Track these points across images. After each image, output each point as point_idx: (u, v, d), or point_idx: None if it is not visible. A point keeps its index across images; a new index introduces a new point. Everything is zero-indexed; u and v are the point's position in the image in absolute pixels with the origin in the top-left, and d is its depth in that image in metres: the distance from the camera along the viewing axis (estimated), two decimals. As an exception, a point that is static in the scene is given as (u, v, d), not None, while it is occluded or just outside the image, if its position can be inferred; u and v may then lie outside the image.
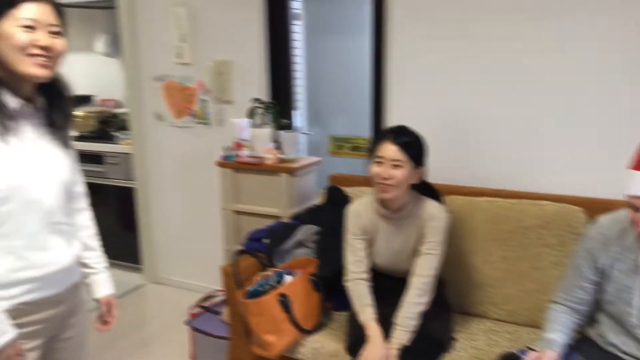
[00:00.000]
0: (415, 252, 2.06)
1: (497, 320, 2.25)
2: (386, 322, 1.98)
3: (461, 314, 2.30)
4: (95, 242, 1.66)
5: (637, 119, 2.20)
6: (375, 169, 1.96)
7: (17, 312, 1.36)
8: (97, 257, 1.65)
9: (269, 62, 3.05)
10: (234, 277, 2.22)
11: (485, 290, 2.27)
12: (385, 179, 1.93)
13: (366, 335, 1.96)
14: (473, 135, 2.54)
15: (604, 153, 2.30)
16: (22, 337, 1.37)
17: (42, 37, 1.32)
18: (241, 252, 2.39)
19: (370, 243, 2.12)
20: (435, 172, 2.25)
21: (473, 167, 2.56)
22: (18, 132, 1.36)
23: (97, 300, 1.66)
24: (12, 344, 1.32)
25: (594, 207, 2.13)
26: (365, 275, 2.09)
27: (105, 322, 1.68)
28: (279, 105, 2.96)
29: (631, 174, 1.49)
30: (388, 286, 2.11)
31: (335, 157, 4.06)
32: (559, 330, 1.69)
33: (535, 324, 2.13)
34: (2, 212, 1.32)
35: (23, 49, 1.30)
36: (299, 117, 3.47)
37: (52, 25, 1.35)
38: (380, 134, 2.06)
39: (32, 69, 1.32)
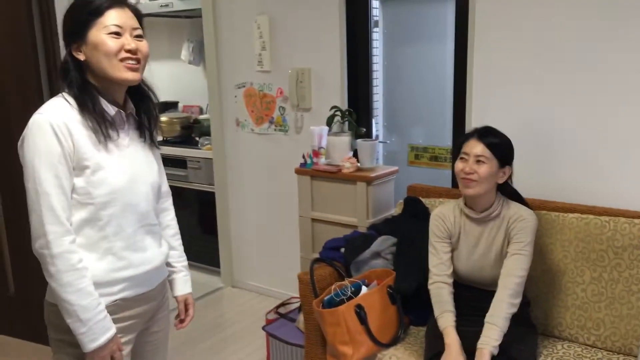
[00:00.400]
0: (500, 257, 2.00)
1: (587, 345, 2.12)
2: (467, 340, 1.91)
3: (547, 336, 2.19)
4: (177, 241, 1.73)
5: None
6: (459, 165, 1.98)
7: (115, 308, 1.45)
8: (178, 256, 1.72)
9: (348, 70, 3.05)
10: (310, 286, 2.23)
11: (574, 313, 2.14)
12: (468, 173, 1.93)
13: (444, 343, 1.91)
14: (561, 148, 2.41)
15: None
16: (119, 331, 1.45)
17: (128, 42, 1.38)
18: (318, 261, 2.39)
19: (454, 247, 2.09)
20: (520, 184, 2.15)
21: (561, 181, 2.43)
22: (114, 139, 1.43)
23: (176, 298, 1.72)
24: (114, 338, 1.41)
25: (699, 228, 1.96)
26: (448, 280, 2.05)
27: (182, 321, 1.74)
28: (356, 114, 2.95)
29: None
30: (469, 298, 2.06)
31: (413, 167, 3.99)
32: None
33: (628, 352, 1.98)
34: (104, 215, 1.40)
35: (115, 55, 1.36)
36: (376, 126, 3.44)
37: (135, 29, 1.41)
38: (467, 133, 2.06)
39: (125, 73, 1.39)
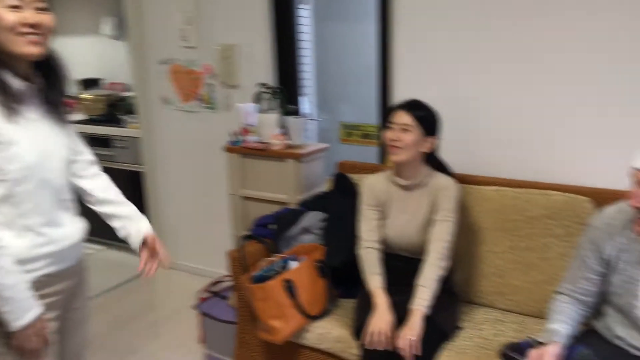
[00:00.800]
0: (426, 224, 2.11)
1: (504, 310, 2.25)
2: (398, 309, 1.99)
3: (468, 303, 2.30)
4: (122, 197, 1.72)
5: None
6: (387, 134, 2.09)
7: (40, 284, 1.44)
8: (130, 208, 1.72)
9: (275, 47, 3.03)
10: (239, 262, 2.23)
11: (492, 281, 2.27)
12: (394, 140, 2.05)
13: (373, 303, 2.00)
14: (480, 123, 2.52)
15: (613, 143, 2.26)
16: (45, 307, 1.45)
17: (29, 15, 1.33)
18: (247, 238, 2.40)
19: (383, 215, 2.18)
20: (444, 159, 2.24)
21: (480, 155, 2.54)
22: (23, 113, 1.39)
23: (144, 241, 1.69)
24: (39, 317, 1.41)
25: (602, 198, 2.10)
26: (377, 245, 2.15)
27: (153, 261, 1.70)
28: (285, 91, 2.94)
29: None
30: (399, 268, 2.14)
31: (346, 145, 4.04)
32: (562, 321, 1.69)
33: (542, 315, 2.11)
34: (20, 192, 1.37)
35: (13, 29, 1.31)
36: (307, 103, 3.45)
37: (37, 1, 1.35)
38: (395, 104, 2.15)
39: (26, 47, 1.34)
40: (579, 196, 2.15)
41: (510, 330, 2.08)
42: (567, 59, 2.28)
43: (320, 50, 3.67)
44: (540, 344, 1.68)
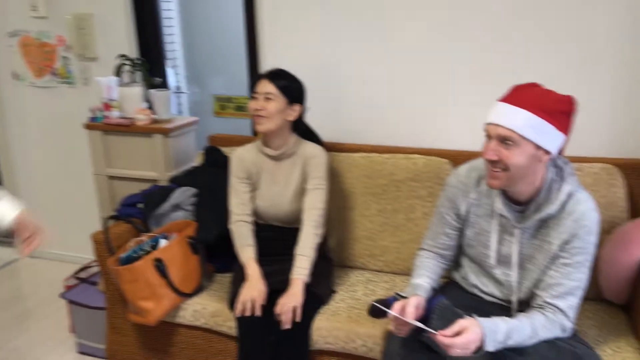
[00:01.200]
0: (297, 193, 2.12)
1: (375, 271, 2.34)
2: (274, 278, 2.00)
3: (342, 267, 2.37)
4: None
5: (499, 77, 2.32)
6: (252, 104, 2.06)
7: None
8: None
9: (135, 16, 2.85)
10: (105, 245, 2.11)
11: (363, 244, 2.34)
12: (258, 110, 2.03)
13: (245, 274, 2.00)
14: (347, 92, 2.56)
15: (468, 107, 2.40)
16: None
17: None
18: (114, 218, 2.28)
19: (254, 187, 2.16)
20: (313, 127, 2.25)
21: (349, 123, 2.59)
22: None
23: (14, 223, 1.61)
24: None
25: (460, 159, 2.23)
26: (248, 219, 2.14)
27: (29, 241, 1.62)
28: (149, 63, 2.79)
29: (494, 104, 1.56)
30: (272, 237, 2.15)
31: (220, 118, 3.95)
32: (425, 275, 1.78)
33: (410, 272, 2.22)
34: None
35: None
36: (175, 76, 3.31)
37: None
38: (258, 74, 2.13)
39: None
40: (439, 158, 2.27)
41: (380, 289, 2.16)
42: (422, 28, 2.37)
43: (187, 21, 3.53)
44: (405, 298, 1.76)
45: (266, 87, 2.04)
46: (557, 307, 1.57)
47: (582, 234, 1.55)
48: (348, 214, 2.36)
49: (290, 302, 1.88)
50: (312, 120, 2.26)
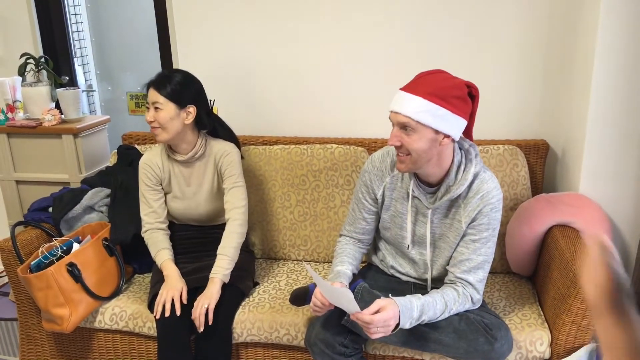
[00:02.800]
0: (213, 192, 2.09)
1: (298, 260, 2.36)
2: (194, 277, 1.98)
3: (265, 259, 2.37)
4: None
5: (409, 65, 2.39)
6: (146, 115, 1.97)
7: None
8: None
9: (38, 13, 2.71)
10: (12, 253, 2.01)
11: (285, 234, 2.36)
12: (151, 122, 1.95)
13: (164, 276, 1.96)
14: (262, 87, 2.56)
15: (381, 96, 2.45)
16: None
17: None
18: (21, 224, 2.16)
19: (166, 190, 2.10)
20: (231, 123, 2.22)
21: (266, 117, 2.59)
22: None
23: None
24: None
25: (375, 146, 2.30)
26: (161, 225, 2.08)
27: None
28: (55, 61, 2.67)
29: (396, 93, 1.61)
30: (189, 237, 2.13)
31: (136, 116, 3.83)
32: (346, 262, 1.81)
33: (331, 260, 2.26)
34: None
35: None
36: (84, 74, 3.19)
37: None
38: (147, 82, 2.00)
39: None
40: (355, 147, 2.31)
41: (303, 278, 2.19)
42: (329, 20, 2.40)
43: (96, 17, 3.41)
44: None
45: (153, 96, 1.93)
46: (467, 281, 1.65)
47: (487, 211, 1.63)
48: (269, 206, 2.36)
49: (204, 302, 1.85)
50: (229, 114, 2.25)
